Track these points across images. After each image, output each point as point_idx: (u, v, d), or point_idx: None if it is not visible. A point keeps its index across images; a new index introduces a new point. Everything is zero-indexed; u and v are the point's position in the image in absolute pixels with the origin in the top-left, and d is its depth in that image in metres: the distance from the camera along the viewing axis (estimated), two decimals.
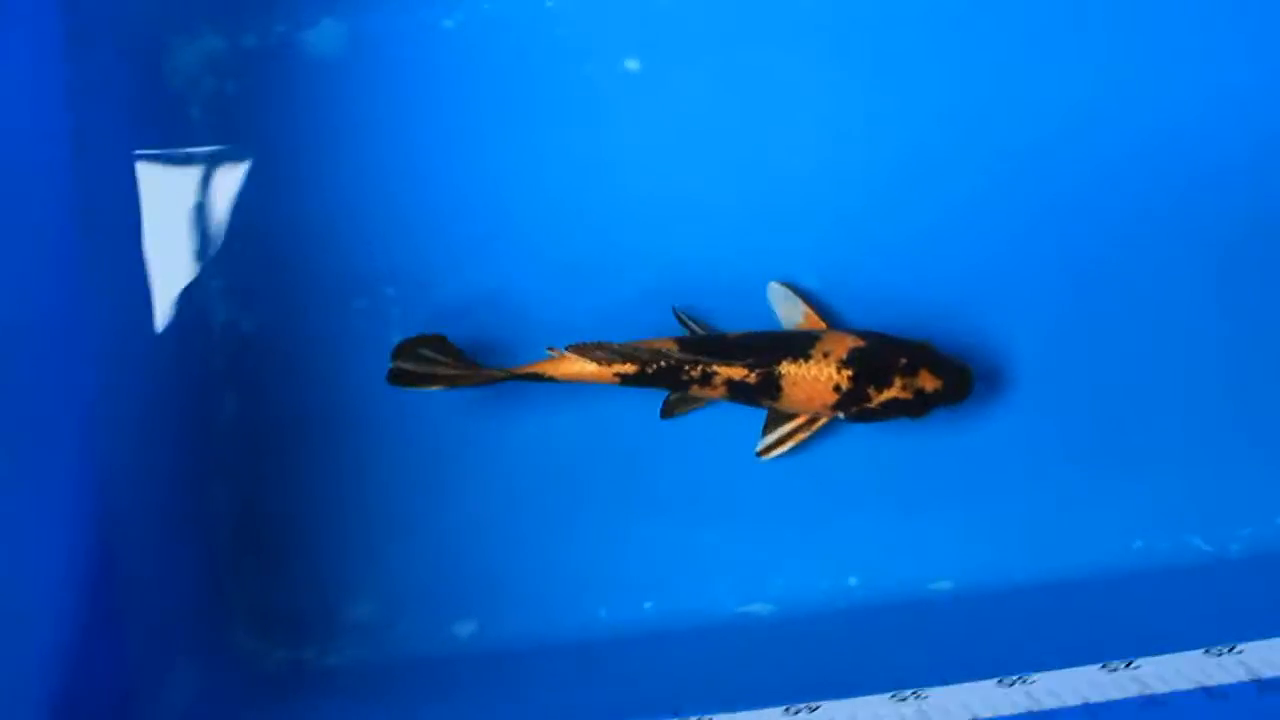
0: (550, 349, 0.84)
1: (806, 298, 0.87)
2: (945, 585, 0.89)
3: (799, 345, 0.84)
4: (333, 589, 0.89)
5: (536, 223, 0.89)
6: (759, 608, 0.89)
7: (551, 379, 0.85)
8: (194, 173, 0.89)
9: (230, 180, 0.89)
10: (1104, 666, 0.79)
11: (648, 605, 0.89)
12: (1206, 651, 0.78)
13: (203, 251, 0.88)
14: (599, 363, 0.83)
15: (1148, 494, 0.90)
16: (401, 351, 0.84)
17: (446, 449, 0.89)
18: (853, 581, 0.90)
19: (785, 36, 0.89)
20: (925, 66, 0.90)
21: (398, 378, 0.84)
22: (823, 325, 0.87)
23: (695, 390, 0.84)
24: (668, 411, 0.87)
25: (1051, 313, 0.90)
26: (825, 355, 0.83)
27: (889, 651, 0.86)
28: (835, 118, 0.90)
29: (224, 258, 0.89)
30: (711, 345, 0.85)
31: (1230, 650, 0.78)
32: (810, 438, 0.87)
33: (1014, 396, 0.90)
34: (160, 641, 0.86)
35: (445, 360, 0.84)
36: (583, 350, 0.83)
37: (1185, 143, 0.90)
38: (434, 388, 0.84)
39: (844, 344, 0.84)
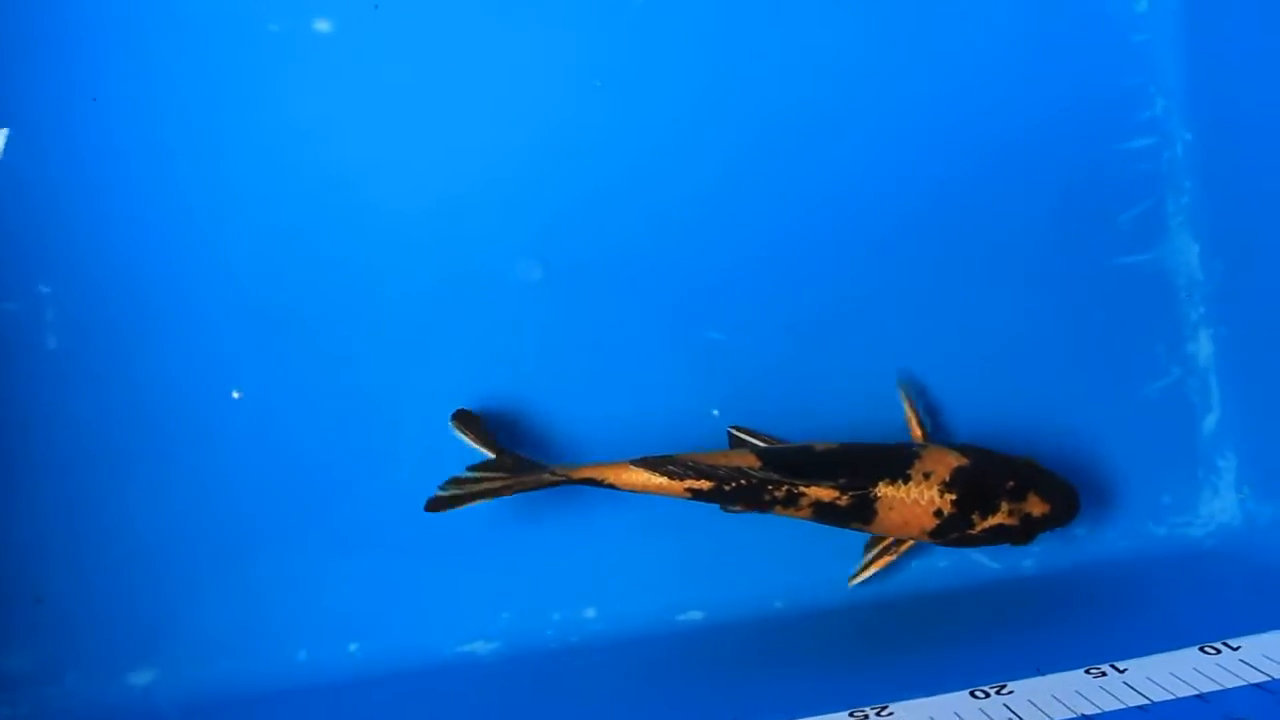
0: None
1: (914, 400, 0.79)
2: (696, 615, 0.79)
3: (896, 464, 0.74)
4: None
5: (214, 210, 0.77)
6: (480, 646, 0.78)
7: (612, 486, 0.75)
8: None
9: None
10: (851, 714, 0.68)
11: (353, 647, 0.78)
12: (972, 694, 0.68)
13: None
14: (670, 477, 0.74)
15: None
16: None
17: (109, 476, 0.77)
18: (590, 614, 0.79)
19: None
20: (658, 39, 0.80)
21: (440, 504, 0.75)
22: (919, 433, 0.78)
23: (779, 511, 0.75)
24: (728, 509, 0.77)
25: (824, 323, 0.81)
26: (926, 477, 0.74)
27: (630, 689, 0.76)
28: (548, 81, 0.80)
29: None
30: (798, 461, 0.74)
31: (999, 690, 0.68)
32: (896, 560, 0.78)
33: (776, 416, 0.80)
34: None
35: (495, 475, 0.75)
36: (652, 464, 0.74)
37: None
38: (485, 500, 0.75)
39: (946, 463, 0.75)
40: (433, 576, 0.79)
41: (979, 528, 0.75)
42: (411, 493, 0.78)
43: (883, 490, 0.74)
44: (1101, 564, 0.81)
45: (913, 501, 0.74)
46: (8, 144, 0.75)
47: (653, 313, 0.80)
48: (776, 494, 0.74)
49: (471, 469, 0.75)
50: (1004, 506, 0.75)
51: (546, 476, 0.74)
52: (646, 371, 0.80)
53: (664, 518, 0.79)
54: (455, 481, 0.75)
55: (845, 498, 0.74)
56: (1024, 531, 0.76)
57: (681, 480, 0.74)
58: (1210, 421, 0.82)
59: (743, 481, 0.74)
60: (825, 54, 0.80)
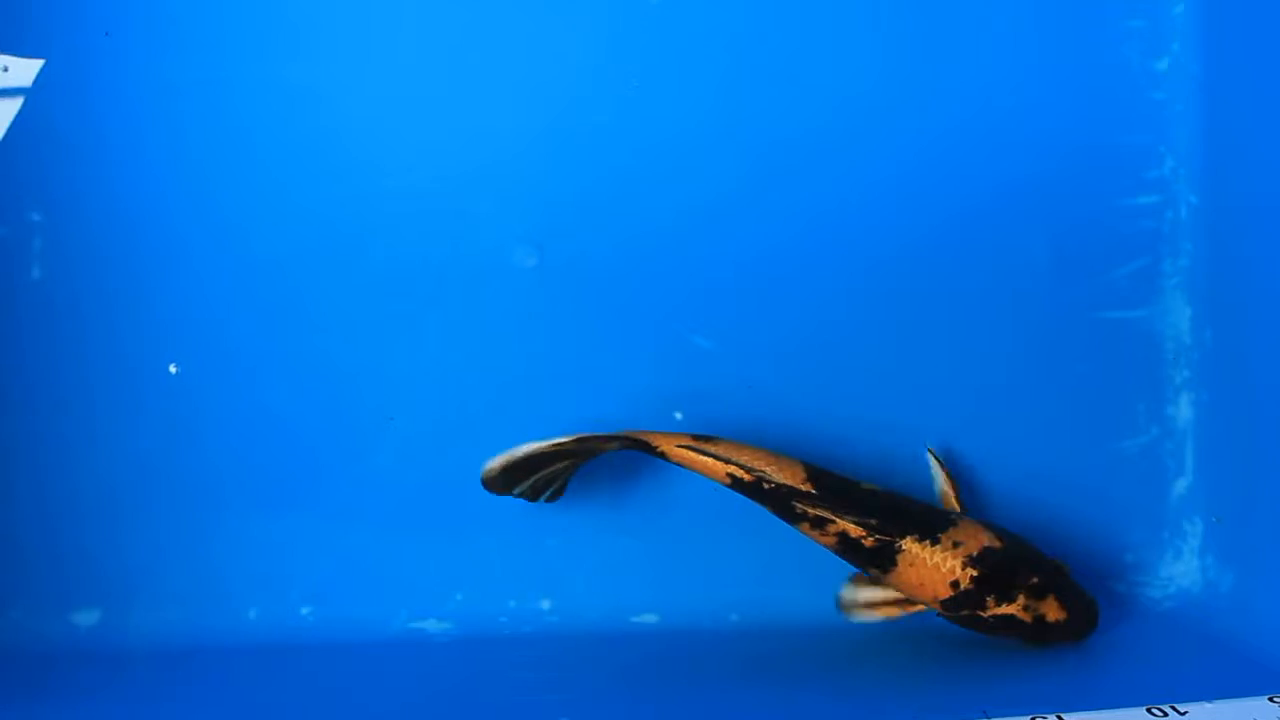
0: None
1: (949, 471, 0.78)
2: (650, 619, 0.79)
3: (930, 524, 0.74)
4: None
5: (213, 166, 0.77)
6: (433, 624, 0.78)
7: (662, 455, 0.74)
8: None
9: None
10: None
11: (305, 610, 0.78)
12: None
13: None
14: (717, 459, 0.74)
15: None
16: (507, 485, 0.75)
17: (78, 414, 0.77)
18: (545, 605, 0.79)
19: None
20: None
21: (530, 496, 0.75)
22: (956, 506, 0.77)
23: (805, 529, 0.74)
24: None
25: (807, 349, 0.81)
26: (955, 545, 0.73)
27: (577, 684, 0.75)
28: (559, 69, 0.79)
29: None
30: (839, 489, 0.74)
31: None
32: (898, 618, 0.76)
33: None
34: None
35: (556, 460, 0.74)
36: (696, 444, 0.74)
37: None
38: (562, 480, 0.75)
39: (978, 539, 0.74)
40: (393, 549, 0.78)
41: (990, 612, 0.74)
42: (381, 465, 0.78)
43: (909, 544, 0.74)
44: None
45: (934, 565, 0.74)
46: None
47: (643, 311, 0.79)
48: (808, 511, 0.74)
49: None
50: (1021, 599, 0.74)
51: (603, 444, 0.74)
52: (627, 369, 0.79)
53: (628, 518, 0.79)
54: (524, 467, 0.74)
55: (871, 539, 0.74)
56: (1035, 631, 0.75)
57: (725, 465, 0.74)
58: (1181, 485, 0.82)
59: (780, 488, 0.74)
60: (839, 71, 0.80)
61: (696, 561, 0.80)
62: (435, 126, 0.78)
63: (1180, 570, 0.82)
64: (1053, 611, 0.75)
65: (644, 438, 0.74)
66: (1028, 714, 0.66)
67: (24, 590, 0.76)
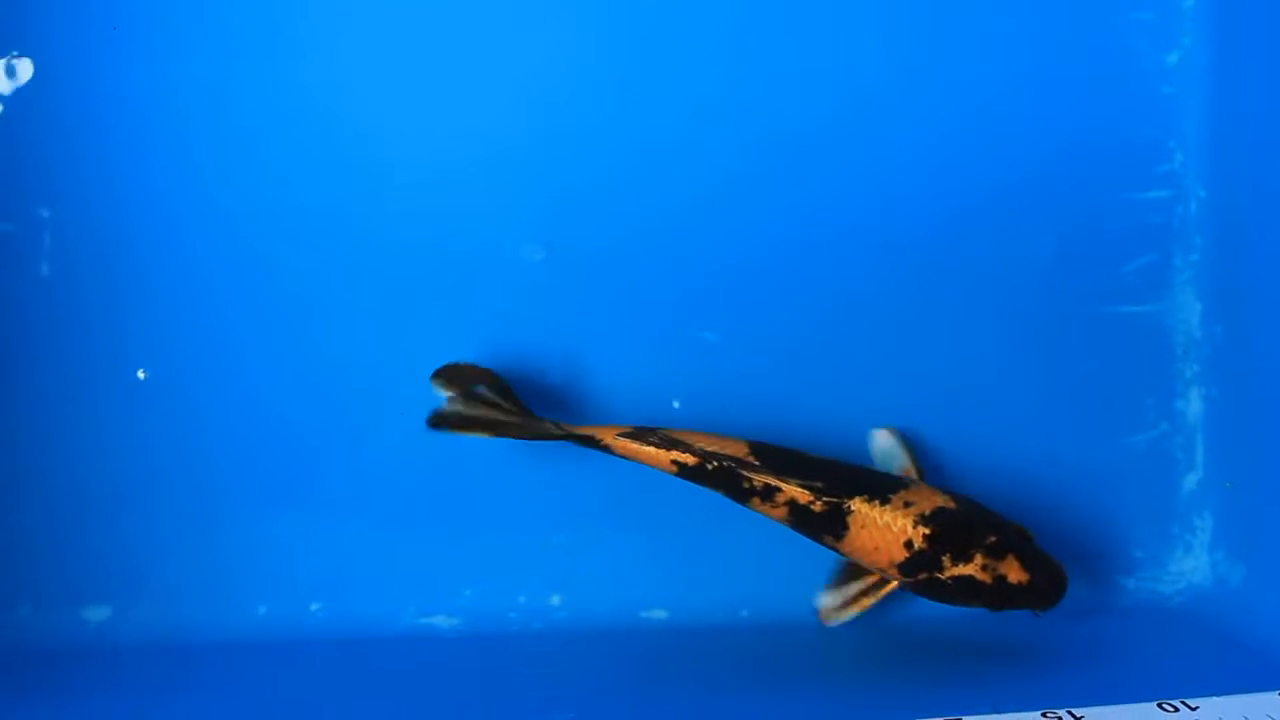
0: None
1: (913, 451, 0.78)
2: (660, 615, 0.79)
3: (880, 486, 0.73)
4: None
5: (220, 159, 0.77)
6: (441, 620, 0.78)
7: (608, 449, 0.74)
8: None
9: None
10: None
11: (315, 607, 0.78)
12: None
13: None
14: (657, 447, 0.73)
15: None
16: (451, 383, 0.74)
17: (87, 409, 0.77)
18: (555, 601, 0.79)
19: None
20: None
21: (445, 421, 0.74)
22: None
23: (756, 504, 0.73)
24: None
25: (813, 343, 0.81)
26: (906, 505, 0.73)
27: (586, 680, 0.75)
28: (565, 67, 0.79)
29: None
30: (784, 459, 0.74)
31: None
32: (876, 603, 0.76)
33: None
34: None
35: (504, 405, 0.74)
36: (643, 433, 0.73)
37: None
38: (479, 434, 0.74)
39: (931, 500, 0.73)
40: (402, 546, 0.78)
41: (949, 573, 0.73)
42: (390, 461, 0.78)
43: (858, 505, 0.73)
44: (1067, 609, 0.80)
45: (884, 525, 0.73)
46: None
47: (650, 305, 0.79)
48: (755, 484, 0.73)
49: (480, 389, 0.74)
50: (978, 559, 0.73)
51: (550, 429, 0.74)
52: (633, 362, 0.79)
53: (637, 513, 0.79)
54: (467, 400, 0.73)
55: (819, 503, 0.73)
56: (997, 594, 0.73)
57: (668, 452, 0.74)
58: (1191, 480, 0.82)
59: (724, 464, 0.73)
60: (846, 67, 0.80)
61: (706, 557, 0.80)
62: (442, 123, 0.78)
63: (1191, 566, 0.82)
64: (1014, 573, 0.73)
65: (588, 433, 0.74)
66: (1039, 709, 0.66)
67: (34, 586, 0.76)
